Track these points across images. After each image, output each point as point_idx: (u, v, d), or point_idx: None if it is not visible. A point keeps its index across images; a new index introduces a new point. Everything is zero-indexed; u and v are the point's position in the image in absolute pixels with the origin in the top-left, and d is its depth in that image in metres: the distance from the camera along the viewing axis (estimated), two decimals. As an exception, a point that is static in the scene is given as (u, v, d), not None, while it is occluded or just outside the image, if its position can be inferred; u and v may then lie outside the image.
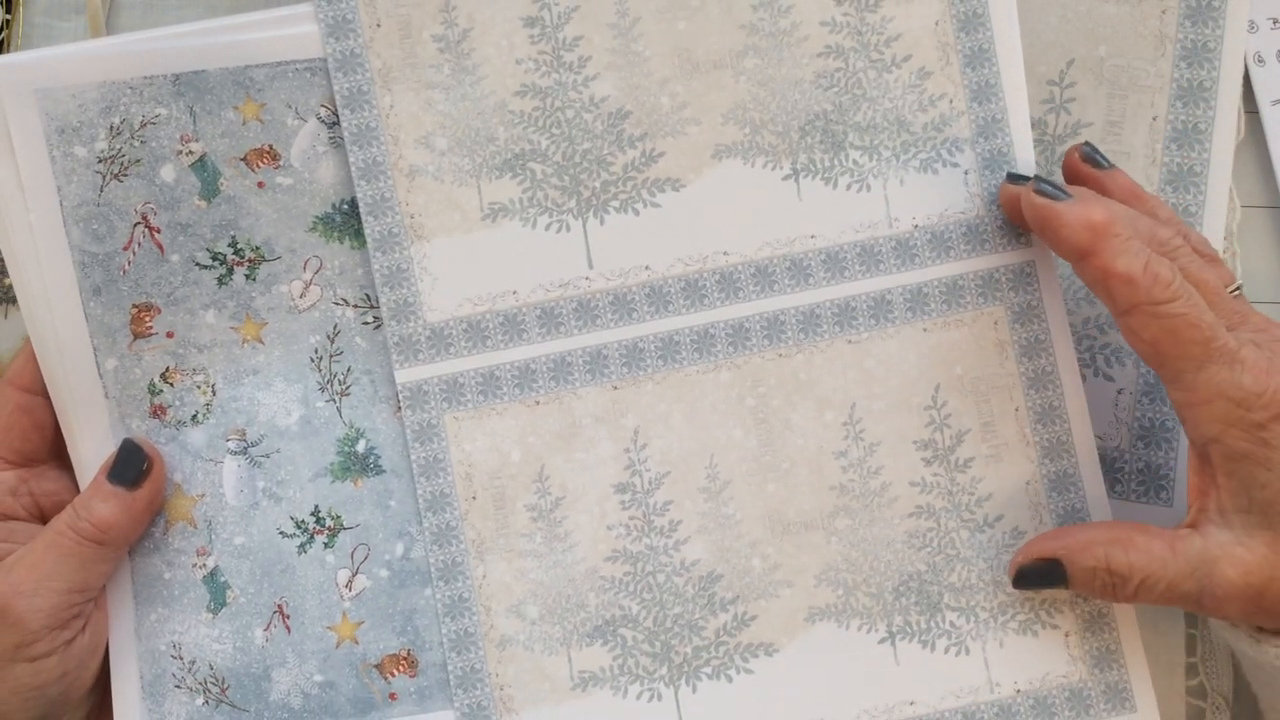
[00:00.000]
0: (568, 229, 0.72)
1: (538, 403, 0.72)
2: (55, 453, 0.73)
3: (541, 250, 0.72)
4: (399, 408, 0.72)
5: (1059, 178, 0.72)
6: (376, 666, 0.72)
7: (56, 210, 0.71)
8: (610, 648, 0.71)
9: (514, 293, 0.72)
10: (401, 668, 0.72)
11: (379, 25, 0.71)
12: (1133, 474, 0.74)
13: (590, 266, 0.72)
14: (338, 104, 0.71)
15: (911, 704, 0.71)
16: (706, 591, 0.71)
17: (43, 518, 0.72)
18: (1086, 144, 0.69)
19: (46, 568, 0.68)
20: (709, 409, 0.72)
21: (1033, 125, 0.74)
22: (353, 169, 0.71)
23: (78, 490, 0.71)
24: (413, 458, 0.71)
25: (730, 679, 0.71)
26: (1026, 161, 0.71)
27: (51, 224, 0.71)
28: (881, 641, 0.71)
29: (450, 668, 0.71)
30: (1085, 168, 0.69)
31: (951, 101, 0.72)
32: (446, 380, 0.72)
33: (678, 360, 0.72)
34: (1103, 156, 0.69)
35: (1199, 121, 0.74)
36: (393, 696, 0.72)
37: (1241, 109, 0.75)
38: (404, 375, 0.71)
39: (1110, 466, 0.74)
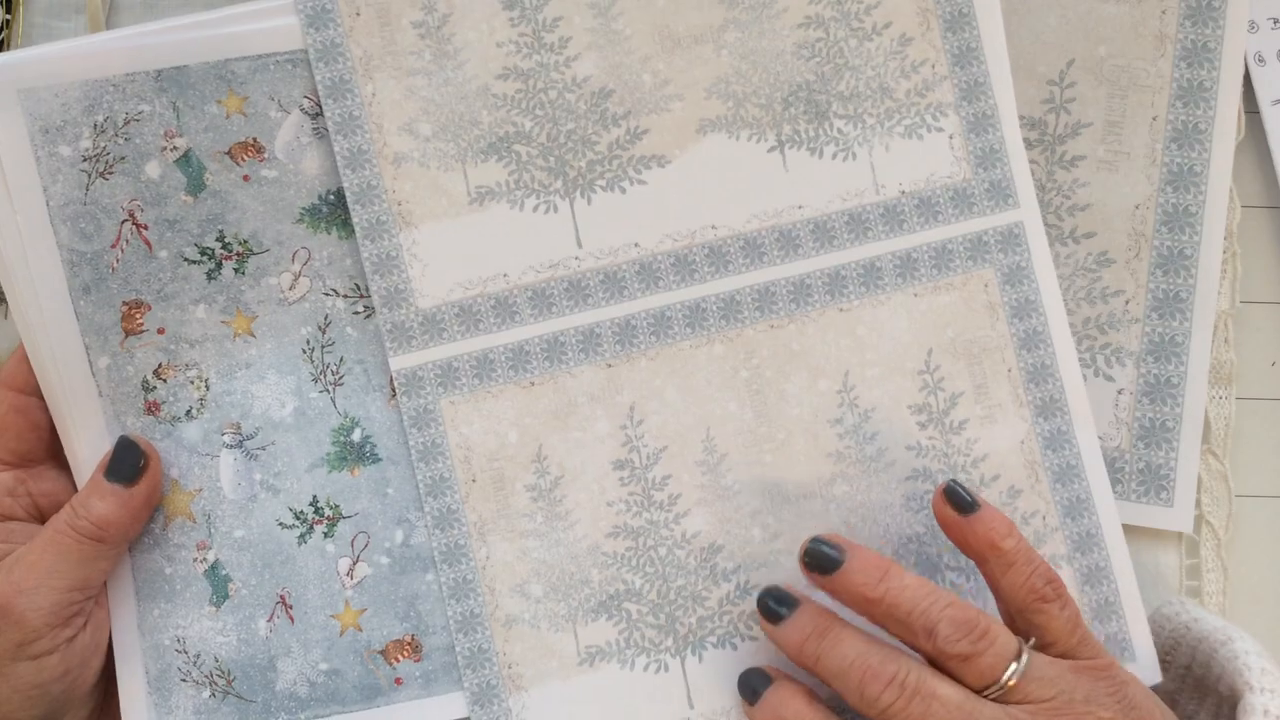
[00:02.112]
0: (555, 210, 0.72)
1: (533, 384, 0.72)
2: (52, 453, 0.72)
3: (530, 232, 0.72)
4: (393, 395, 0.72)
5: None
6: (381, 653, 0.72)
7: (43, 210, 0.70)
8: (615, 622, 0.71)
9: (504, 275, 0.72)
10: (406, 653, 0.72)
11: (358, 14, 0.71)
12: (1133, 474, 0.75)
13: (579, 246, 0.72)
14: (320, 94, 0.71)
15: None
16: (708, 563, 0.72)
17: (41, 518, 0.71)
18: (951, 483, 0.68)
19: (46, 566, 0.67)
20: (703, 382, 0.72)
21: (1033, 125, 0.75)
22: (338, 158, 0.71)
23: (76, 489, 0.71)
24: (411, 443, 0.71)
25: (735, 647, 0.71)
26: (1010, 120, 0.72)
27: (38, 224, 0.70)
28: None
29: (458, 649, 0.71)
30: (948, 511, 0.68)
31: (934, 67, 0.72)
32: (441, 365, 0.72)
33: (670, 335, 0.72)
34: (967, 496, 0.68)
35: (1199, 121, 0.74)
36: (398, 682, 0.72)
37: (1241, 109, 0.75)
38: (398, 362, 0.71)
39: (1110, 466, 0.74)
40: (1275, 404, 0.78)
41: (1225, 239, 0.75)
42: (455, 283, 0.72)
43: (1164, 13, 0.74)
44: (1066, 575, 0.72)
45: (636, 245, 0.72)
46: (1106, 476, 0.72)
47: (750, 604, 0.72)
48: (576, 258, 0.72)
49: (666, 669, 0.71)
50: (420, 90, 0.72)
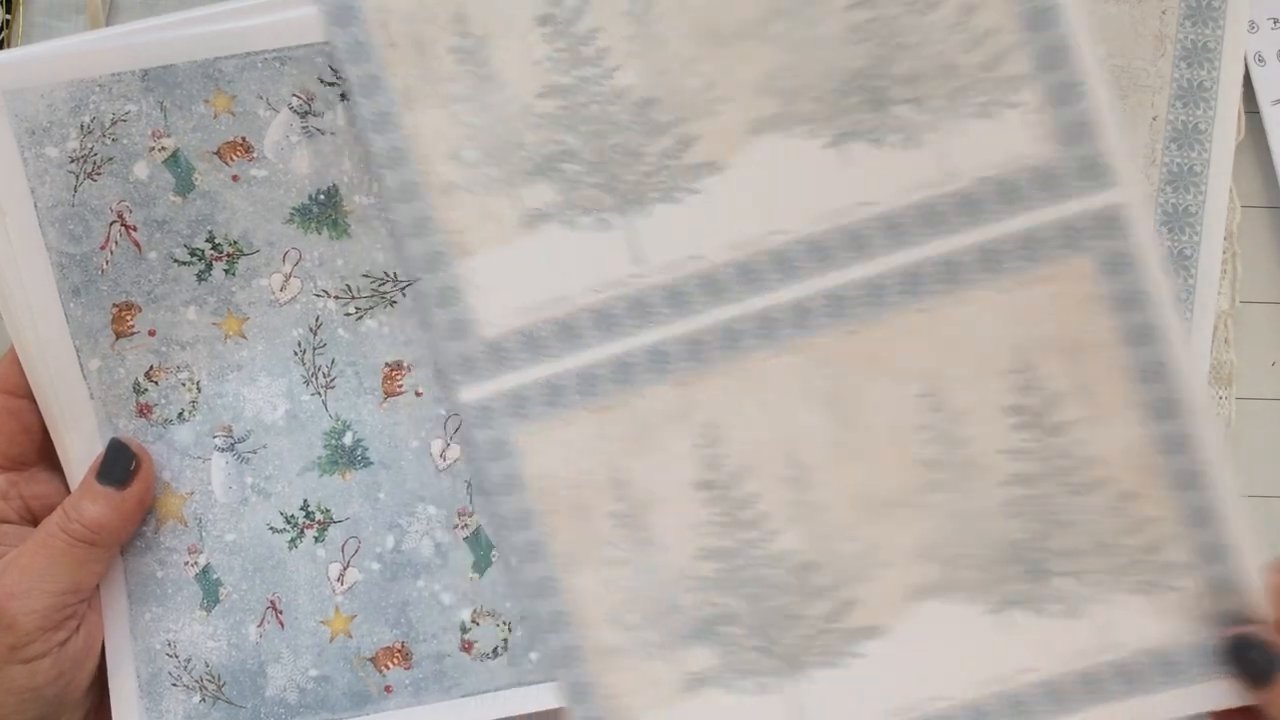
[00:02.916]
0: (610, 226, 0.67)
1: (605, 408, 0.66)
2: (44, 455, 0.71)
3: (587, 251, 0.67)
4: (384, 399, 0.69)
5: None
6: (370, 660, 0.70)
7: (31, 212, 0.68)
8: (714, 646, 0.65)
9: (565, 298, 0.67)
10: (395, 660, 0.70)
11: (394, 45, 0.68)
12: None
13: (639, 263, 0.67)
14: (365, 130, 0.67)
15: (1031, 671, 0.65)
16: (804, 580, 0.65)
17: (34, 521, 0.71)
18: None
19: (38, 569, 0.67)
20: (780, 395, 0.66)
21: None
22: (388, 193, 0.67)
23: (68, 492, 0.70)
24: (488, 477, 0.67)
25: (842, 665, 0.64)
26: (1099, 86, 0.66)
27: (27, 226, 0.68)
28: (991, 612, 0.65)
29: (560, 684, 0.67)
30: None
31: (1004, 35, 0.68)
32: (510, 395, 0.66)
33: (741, 349, 0.66)
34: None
35: (1199, 121, 0.75)
36: (388, 689, 0.70)
37: (1241, 109, 0.76)
38: (468, 394, 0.66)
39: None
40: (1275, 404, 0.76)
41: (1225, 239, 0.75)
42: (517, 308, 0.67)
43: (1164, 13, 0.74)
44: (1189, 586, 0.65)
45: (698, 258, 0.66)
46: (1232, 481, 0.65)
47: (851, 621, 0.64)
48: (637, 275, 0.66)
49: (773, 691, 0.65)
50: (462, 116, 0.67)
